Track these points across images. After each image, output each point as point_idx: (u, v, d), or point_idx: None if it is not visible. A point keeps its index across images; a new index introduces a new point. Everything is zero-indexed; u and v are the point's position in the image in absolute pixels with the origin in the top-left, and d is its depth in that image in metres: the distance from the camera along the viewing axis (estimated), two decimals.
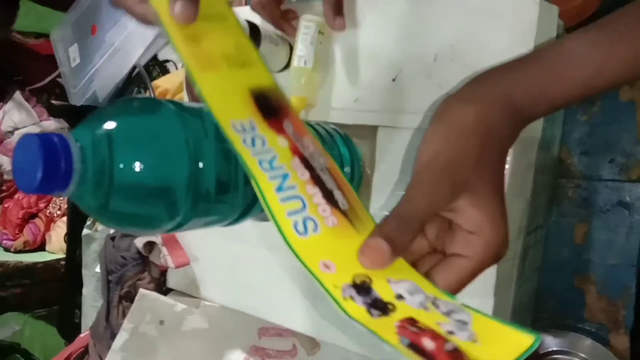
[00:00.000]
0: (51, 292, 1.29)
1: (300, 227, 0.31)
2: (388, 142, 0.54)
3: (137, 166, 0.30)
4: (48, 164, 0.28)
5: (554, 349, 0.65)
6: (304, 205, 0.32)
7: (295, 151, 0.34)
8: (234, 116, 0.32)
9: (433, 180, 0.31)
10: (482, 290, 0.49)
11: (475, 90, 0.35)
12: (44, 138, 0.29)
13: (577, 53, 0.35)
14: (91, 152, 0.30)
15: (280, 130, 0.34)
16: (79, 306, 1.04)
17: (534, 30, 0.47)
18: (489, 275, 0.49)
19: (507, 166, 0.48)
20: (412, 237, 0.30)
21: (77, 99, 1.04)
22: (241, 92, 0.34)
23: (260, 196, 0.31)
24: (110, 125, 0.31)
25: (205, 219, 0.36)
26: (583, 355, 0.64)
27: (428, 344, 0.27)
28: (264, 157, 0.32)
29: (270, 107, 0.34)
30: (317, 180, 0.33)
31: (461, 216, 0.31)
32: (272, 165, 0.32)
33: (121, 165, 0.30)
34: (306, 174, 0.33)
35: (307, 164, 0.34)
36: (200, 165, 0.33)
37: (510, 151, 0.47)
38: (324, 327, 0.60)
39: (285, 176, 0.32)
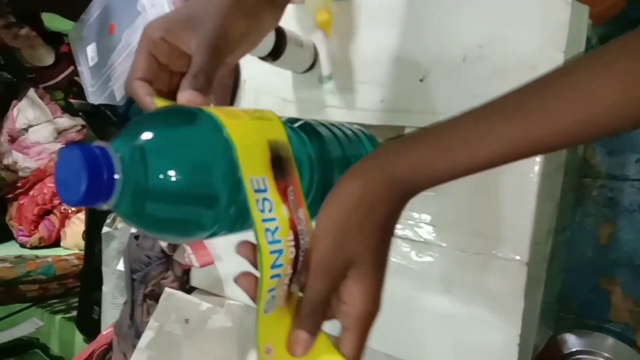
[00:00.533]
0: (68, 289, 1.30)
1: (269, 306, 0.33)
2: None
3: (175, 177, 0.30)
4: (91, 176, 0.28)
5: (578, 349, 0.65)
6: (278, 285, 0.33)
7: (292, 225, 0.34)
8: (254, 171, 0.32)
9: (327, 261, 0.33)
10: (512, 293, 0.49)
11: (363, 165, 0.35)
12: (86, 150, 0.29)
13: (462, 129, 0.34)
14: (130, 163, 0.30)
15: (284, 196, 0.34)
16: (98, 303, 1.05)
17: (566, 31, 0.46)
18: (520, 277, 0.49)
19: (536, 168, 0.47)
20: (323, 316, 0.33)
21: (95, 97, 1.04)
22: (262, 143, 0.34)
23: (260, 267, 0.31)
24: (149, 135, 0.31)
25: (238, 228, 0.36)
26: (607, 355, 0.64)
27: None
28: (270, 225, 0.32)
29: (281, 167, 0.34)
30: (295, 261, 0.34)
31: (343, 288, 0.33)
32: (274, 238, 0.33)
33: (160, 176, 0.30)
34: (293, 253, 0.33)
35: (297, 242, 0.34)
36: (238, 177, 0.33)
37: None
38: None
39: (280, 252, 0.32)
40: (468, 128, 0.34)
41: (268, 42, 0.58)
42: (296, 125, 0.44)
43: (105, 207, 0.30)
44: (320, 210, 0.35)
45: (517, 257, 0.49)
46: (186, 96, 0.35)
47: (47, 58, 1.31)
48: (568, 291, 0.66)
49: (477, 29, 0.50)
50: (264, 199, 0.33)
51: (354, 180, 0.34)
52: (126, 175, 0.30)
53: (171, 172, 0.30)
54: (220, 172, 0.32)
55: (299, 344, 0.33)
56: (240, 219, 0.34)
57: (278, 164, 0.34)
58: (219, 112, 0.33)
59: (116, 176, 0.30)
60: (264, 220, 0.32)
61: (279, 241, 0.32)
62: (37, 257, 1.54)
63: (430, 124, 0.36)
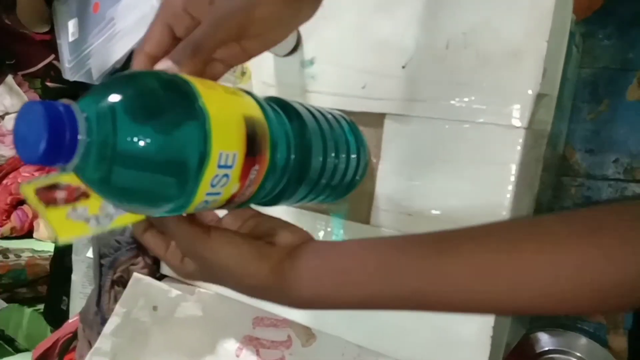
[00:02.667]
0: (38, 293, 1.27)
1: None
2: (395, 130, 0.53)
3: (144, 142, 0.29)
4: (53, 133, 0.27)
5: (551, 348, 0.65)
6: None
7: (231, 198, 0.34)
8: (226, 146, 0.31)
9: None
10: None
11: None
12: (49, 106, 0.27)
13: (362, 270, 0.33)
14: (97, 124, 0.28)
15: (245, 175, 0.34)
16: (66, 293, 1.02)
17: (550, 20, 0.46)
18: None
19: (516, 157, 0.47)
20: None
21: (71, 74, 1.02)
22: (237, 117, 0.33)
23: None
24: (118, 96, 0.29)
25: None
26: (579, 355, 0.64)
27: None
28: (209, 198, 0.32)
29: (255, 144, 0.34)
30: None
31: None
32: (206, 207, 0.33)
33: (127, 140, 0.29)
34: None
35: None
36: (208, 149, 0.31)
37: (521, 143, 0.47)
38: (321, 316, 0.59)
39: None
40: (367, 271, 0.33)
41: (290, 40, 0.58)
42: (275, 103, 0.43)
43: (67, 167, 0.29)
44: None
45: None
46: (160, 66, 0.33)
47: (44, 24, 1.27)
48: None
49: (461, 16, 0.50)
50: (224, 175, 0.32)
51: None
52: (91, 136, 0.28)
53: (140, 137, 0.29)
54: (192, 142, 0.30)
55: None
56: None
57: (253, 139, 0.33)
58: (196, 81, 0.32)
59: (79, 136, 0.28)
60: (208, 194, 0.32)
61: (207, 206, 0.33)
62: (8, 250, 1.50)
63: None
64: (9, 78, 1.66)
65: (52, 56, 1.31)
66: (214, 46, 0.34)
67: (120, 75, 0.32)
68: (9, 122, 1.72)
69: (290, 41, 0.59)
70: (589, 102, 0.63)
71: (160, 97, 0.30)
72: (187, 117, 0.30)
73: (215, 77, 0.38)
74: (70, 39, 1.03)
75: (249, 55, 0.37)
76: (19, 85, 1.59)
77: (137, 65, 0.35)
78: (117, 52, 0.94)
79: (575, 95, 0.64)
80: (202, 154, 0.30)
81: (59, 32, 1.06)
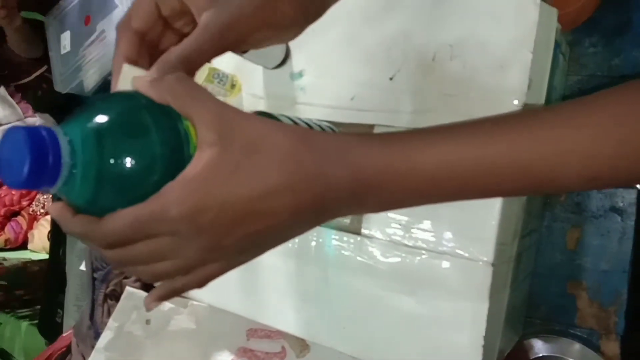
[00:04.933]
0: (34, 293, 1.26)
1: None
2: None
3: (128, 162, 0.29)
4: (35, 158, 0.27)
5: (544, 354, 0.65)
6: None
7: None
8: None
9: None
10: (477, 294, 0.49)
11: (327, 157, 0.29)
12: (31, 131, 0.27)
13: (441, 140, 0.31)
14: (80, 147, 0.29)
15: None
16: (61, 305, 1.02)
17: (534, 32, 0.47)
18: (485, 278, 0.48)
19: None
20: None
21: (63, 86, 1.02)
22: None
23: None
24: (101, 119, 0.30)
25: None
26: None
27: None
28: None
29: None
30: None
31: None
32: None
33: (110, 163, 0.29)
34: None
35: None
36: None
37: None
38: (315, 328, 0.59)
39: None
40: (436, 136, 0.31)
41: (279, 53, 0.58)
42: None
43: (51, 190, 0.29)
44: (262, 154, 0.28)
45: (483, 258, 0.49)
46: (146, 78, 0.31)
47: (36, 49, 1.29)
48: (536, 296, 0.66)
49: (447, 28, 0.50)
50: None
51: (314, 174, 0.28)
52: (74, 160, 0.28)
53: (123, 159, 0.29)
54: (176, 164, 0.30)
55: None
56: None
57: None
58: None
59: (63, 160, 0.28)
60: None
61: None
62: (4, 260, 1.49)
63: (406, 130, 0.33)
64: (2, 89, 1.66)
65: (45, 67, 1.32)
66: (211, 58, 0.33)
67: (103, 97, 0.32)
68: (2, 134, 1.72)
69: (279, 54, 0.59)
70: None
71: (143, 119, 0.30)
72: (170, 139, 0.30)
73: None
74: (62, 51, 1.04)
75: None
76: (12, 96, 1.59)
77: (125, 41, 0.34)
78: (109, 64, 0.95)
79: (563, 99, 0.64)
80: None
81: (51, 45, 1.06)
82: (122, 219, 0.28)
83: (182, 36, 0.34)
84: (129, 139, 0.30)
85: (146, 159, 0.29)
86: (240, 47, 0.34)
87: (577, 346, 0.64)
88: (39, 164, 0.27)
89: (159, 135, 0.30)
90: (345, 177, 0.28)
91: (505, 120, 0.32)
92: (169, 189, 0.27)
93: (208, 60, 0.33)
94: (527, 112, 0.34)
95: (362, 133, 0.33)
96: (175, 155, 0.30)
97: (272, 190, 0.27)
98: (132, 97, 0.32)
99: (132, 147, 0.29)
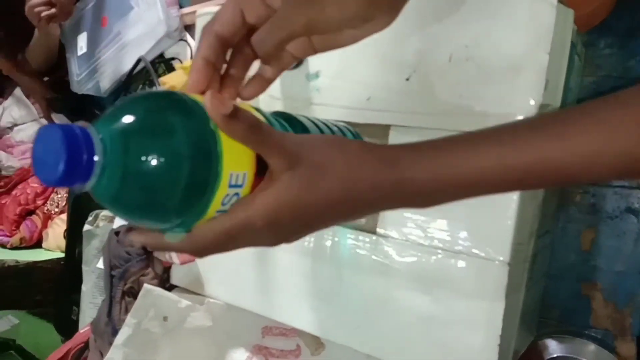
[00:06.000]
0: (49, 293, 1.27)
1: None
2: (400, 141, 0.54)
3: (157, 163, 0.30)
4: (71, 156, 0.28)
5: (559, 355, 0.65)
6: None
7: None
8: (236, 166, 0.32)
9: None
10: (493, 294, 0.49)
11: (374, 166, 0.34)
12: (66, 129, 0.28)
13: (474, 142, 0.34)
14: (111, 145, 0.29)
15: None
16: (77, 303, 1.03)
17: (551, 33, 0.47)
18: (501, 278, 0.49)
19: None
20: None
21: (79, 87, 1.04)
22: None
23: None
24: (131, 118, 0.30)
25: None
26: None
27: None
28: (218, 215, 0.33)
29: (264, 162, 0.34)
30: None
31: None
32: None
33: (141, 161, 0.30)
34: None
35: None
36: (219, 170, 0.32)
37: None
38: (329, 326, 0.60)
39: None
40: (485, 138, 0.33)
41: None
42: (282, 118, 0.44)
43: (83, 188, 0.30)
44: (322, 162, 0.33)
45: (500, 257, 0.49)
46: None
47: (49, 64, 1.28)
48: (550, 297, 0.66)
49: (463, 29, 0.50)
50: (235, 194, 0.33)
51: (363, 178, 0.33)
52: (106, 158, 0.29)
53: (153, 158, 0.30)
54: (203, 164, 0.31)
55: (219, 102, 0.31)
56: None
57: (262, 159, 0.34)
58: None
59: (96, 158, 0.29)
60: (218, 211, 0.33)
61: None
62: (17, 262, 1.51)
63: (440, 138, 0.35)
64: (17, 90, 1.68)
65: (61, 70, 1.33)
66: (279, 46, 0.35)
67: (134, 96, 0.33)
68: (18, 134, 1.74)
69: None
70: None
71: (172, 119, 0.31)
72: (198, 139, 0.31)
73: (283, 68, 0.39)
74: (79, 52, 1.05)
75: (315, 51, 0.39)
76: (27, 97, 1.61)
77: (206, 44, 0.35)
78: (125, 65, 0.96)
79: (578, 102, 0.64)
80: (214, 175, 0.31)
81: (67, 47, 1.08)
82: (214, 232, 0.33)
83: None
84: (159, 138, 0.30)
85: (174, 160, 0.30)
86: (312, 34, 0.36)
87: (591, 347, 0.64)
88: (74, 162, 0.28)
89: (187, 136, 0.31)
90: (395, 186, 0.33)
91: (533, 125, 0.34)
92: (252, 205, 0.32)
93: (280, 45, 0.36)
94: (554, 115, 0.35)
95: (409, 144, 0.35)
96: (202, 154, 0.31)
97: (335, 203, 0.33)
98: (164, 97, 0.32)
99: (161, 146, 0.30)
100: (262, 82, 0.40)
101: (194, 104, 0.32)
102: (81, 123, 0.30)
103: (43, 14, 0.96)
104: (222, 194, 0.32)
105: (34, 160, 0.29)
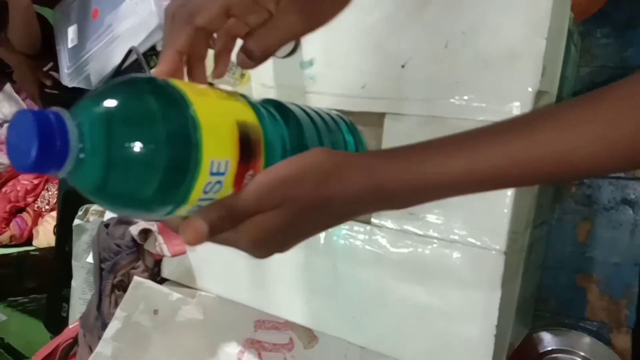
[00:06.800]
0: (40, 280, 1.26)
1: None
2: (395, 130, 0.53)
3: (133, 150, 0.29)
4: (43, 142, 0.27)
5: (554, 347, 0.65)
6: None
7: None
8: (218, 154, 0.31)
9: (270, 189, 0.32)
10: (489, 283, 0.48)
11: (351, 164, 0.35)
12: (38, 115, 0.27)
13: (449, 144, 0.35)
14: (89, 130, 0.28)
15: (239, 181, 0.33)
16: (66, 300, 1.01)
17: (548, 19, 0.46)
18: (497, 267, 0.48)
19: None
20: (231, 227, 0.33)
21: (69, 80, 1.02)
22: (230, 123, 0.33)
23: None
24: (110, 103, 0.29)
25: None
26: (583, 354, 0.63)
27: None
28: (203, 203, 0.32)
29: (249, 150, 0.33)
30: None
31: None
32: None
33: (117, 147, 0.29)
34: None
35: None
36: (199, 157, 0.31)
37: None
38: (324, 318, 0.59)
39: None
40: (456, 143, 0.34)
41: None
42: (271, 106, 0.43)
43: (58, 175, 0.29)
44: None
45: (495, 246, 0.48)
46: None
47: (35, 44, 1.26)
48: (545, 289, 0.66)
49: (460, 15, 0.50)
50: (217, 182, 0.32)
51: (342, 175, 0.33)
52: (83, 143, 0.28)
53: (130, 144, 0.29)
54: (182, 151, 0.30)
55: (195, 233, 0.32)
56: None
57: (246, 146, 0.33)
58: (187, 88, 0.32)
59: (70, 144, 0.28)
60: (200, 200, 0.32)
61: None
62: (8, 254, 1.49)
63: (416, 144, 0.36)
64: (8, 86, 1.66)
65: (51, 64, 1.32)
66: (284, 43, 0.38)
67: (113, 82, 0.32)
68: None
69: (288, 43, 0.59)
70: None
71: (151, 106, 0.30)
72: (177, 126, 0.30)
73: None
74: (70, 45, 1.03)
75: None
76: (17, 92, 1.60)
77: (183, 36, 0.35)
78: (116, 57, 0.95)
79: (574, 93, 0.64)
80: (193, 163, 0.30)
81: (58, 39, 1.06)
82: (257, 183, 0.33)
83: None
84: (137, 123, 0.29)
85: (151, 146, 0.29)
86: (317, 27, 0.38)
87: (587, 339, 0.63)
88: (47, 148, 0.27)
89: (166, 122, 0.30)
90: (371, 193, 0.34)
91: (507, 126, 0.34)
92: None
93: (286, 42, 0.37)
94: (523, 117, 0.36)
95: (386, 150, 0.37)
96: (180, 141, 0.30)
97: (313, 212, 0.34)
98: (144, 82, 0.31)
99: (140, 131, 0.29)
100: (228, 59, 0.40)
101: (173, 90, 0.31)
102: (56, 108, 0.28)
103: None
104: (203, 182, 0.31)
105: (8, 146, 0.28)
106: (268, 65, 0.61)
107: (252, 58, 0.37)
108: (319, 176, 0.33)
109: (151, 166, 0.29)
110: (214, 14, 0.34)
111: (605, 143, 0.30)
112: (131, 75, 0.33)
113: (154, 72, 0.35)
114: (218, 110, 0.33)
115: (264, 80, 0.62)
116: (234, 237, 0.33)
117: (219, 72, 0.40)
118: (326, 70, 0.58)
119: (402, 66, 0.53)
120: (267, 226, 0.33)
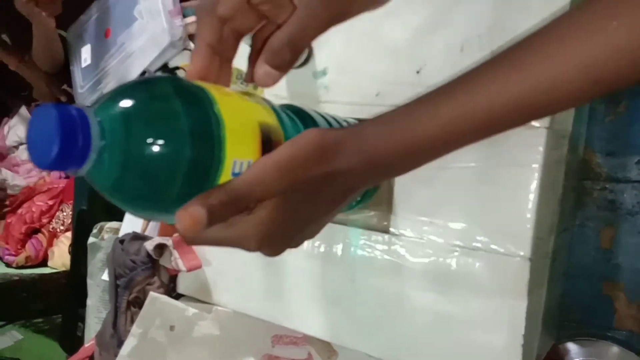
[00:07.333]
0: (54, 302, 1.26)
1: None
2: None
3: (157, 149, 0.28)
4: (65, 140, 0.26)
5: (582, 358, 0.63)
6: None
7: None
8: (240, 153, 0.31)
9: (273, 171, 0.31)
10: (515, 291, 0.47)
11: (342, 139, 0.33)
12: (62, 110, 0.27)
13: (446, 90, 0.34)
14: (110, 128, 0.28)
15: None
16: (82, 319, 1.01)
17: None
18: (522, 274, 0.47)
19: (538, 157, 0.46)
20: (233, 214, 0.30)
21: (83, 99, 1.03)
22: (252, 124, 0.32)
23: None
24: (133, 101, 0.29)
25: None
26: None
27: None
28: None
29: (269, 151, 0.33)
30: None
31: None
32: None
33: (140, 146, 0.28)
34: None
35: None
36: (221, 156, 0.31)
37: (542, 144, 0.46)
38: (342, 331, 0.58)
39: None
40: (446, 91, 0.34)
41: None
42: (291, 110, 0.42)
43: (79, 172, 0.28)
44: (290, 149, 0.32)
45: (520, 253, 0.47)
46: (260, 75, 0.34)
47: (58, 62, 1.28)
48: (570, 298, 0.64)
49: (475, 18, 0.49)
50: None
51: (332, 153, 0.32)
52: (105, 141, 0.28)
53: (154, 142, 0.28)
54: (206, 150, 0.30)
55: (193, 220, 0.29)
56: None
57: (268, 147, 0.33)
58: (211, 87, 0.32)
59: (92, 142, 0.27)
60: None
61: None
62: (22, 274, 1.50)
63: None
64: (23, 109, 1.69)
65: (65, 85, 1.34)
66: (312, 39, 0.34)
67: (136, 80, 0.31)
68: (23, 153, 1.73)
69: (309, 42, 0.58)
70: (607, 104, 0.62)
71: (175, 104, 0.29)
72: (201, 124, 0.29)
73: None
74: (83, 64, 1.05)
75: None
76: None
77: (208, 27, 0.34)
78: (129, 75, 0.96)
79: None
80: (216, 161, 0.30)
81: (72, 59, 1.07)
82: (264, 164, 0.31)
83: (263, 17, 0.35)
84: (161, 120, 0.29)
85: (175, 144, 0.29)
86: (344, 18, 0.35)
87: (615, 349, 0.61)
88: (68, 145, 0.26)
89: (189, 120, 0.29)
90: (365, 163, 0.33)
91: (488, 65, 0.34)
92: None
93: (313, 38, 0.34)
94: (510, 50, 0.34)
95: (375, 117, 0.35)
96: (204, 139, 0.29)
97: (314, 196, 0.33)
98: (166, 81, 0.31)
99: (164, 128, 0.29)
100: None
101: (196, 88, 0.31)
102: (79, 105, 0.28)
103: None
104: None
105: (28, 142, 0.27)
106: None
107: (281, 58, 0.35)
108: (318, 154, 0.31)
109: (174, 164, 0.29)
110: (235, 1, 0.34)
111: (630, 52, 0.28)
112: (153, 74, 0.33)
113: (187, 68, 0.35)
114: (241, 110, 0.33)
115: (277, 91, 0.62)
116: (241, 236, 0.32)
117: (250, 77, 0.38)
118: (340, 78, 0.58)
119: (417, 72, 0.52)
120: (275, 216, 0.31)
